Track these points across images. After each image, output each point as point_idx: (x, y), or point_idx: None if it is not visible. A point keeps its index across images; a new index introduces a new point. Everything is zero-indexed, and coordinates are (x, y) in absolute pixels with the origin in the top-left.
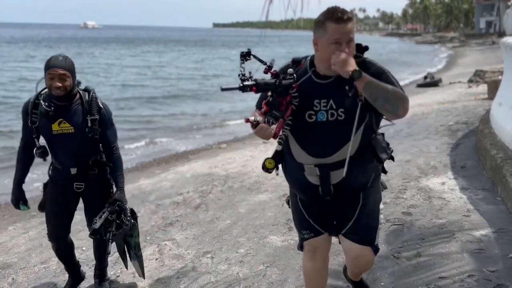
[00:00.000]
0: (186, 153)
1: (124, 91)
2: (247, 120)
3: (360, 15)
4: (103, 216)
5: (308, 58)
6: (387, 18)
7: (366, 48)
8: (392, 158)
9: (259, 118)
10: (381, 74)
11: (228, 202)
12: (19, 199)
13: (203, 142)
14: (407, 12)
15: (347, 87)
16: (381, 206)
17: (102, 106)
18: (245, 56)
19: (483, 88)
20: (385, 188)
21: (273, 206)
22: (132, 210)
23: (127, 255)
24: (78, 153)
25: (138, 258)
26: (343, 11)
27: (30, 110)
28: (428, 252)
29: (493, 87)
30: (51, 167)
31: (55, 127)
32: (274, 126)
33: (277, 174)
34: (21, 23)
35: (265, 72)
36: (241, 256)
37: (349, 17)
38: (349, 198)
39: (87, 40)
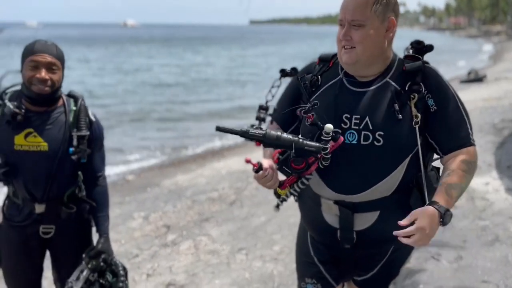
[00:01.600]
0: (221, 150)
1: (162, 86)
2: (248, 161)
3: (400, 9)
4: (81, 276)
5: None
6: (428, 12)
7: (428, 48)
8: None
9: (265, 162)
10: (447, 102)
11: (263, 199)
12: None
13: (239, 139)
14: (450, 5)
15: (396, 105)
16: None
17: (94, 120)
18: (288, 74)
19: None
20: None
21: None
22: (123, 266)
23: None
24: (49, 182)
25: None
26: None
27: None
28: (470, 255)
29: None
30: (6, 202)
31: (19, 140)
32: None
33: (278, 206)
34: (64, 23)
35: (302, 114)
36: (276, 254)
37: None
38: (374, 249)
39: (132, 40)
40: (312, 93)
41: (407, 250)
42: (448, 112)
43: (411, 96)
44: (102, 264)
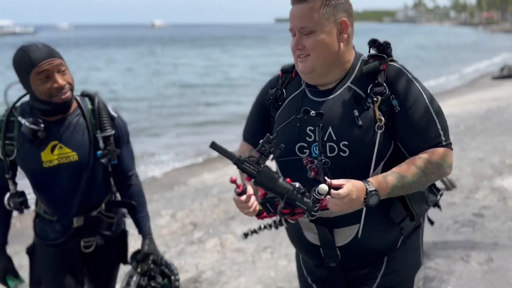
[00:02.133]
0: None
1: (188, 86)
2: (233, 181)
3: (430, 4)
4: (132, 282)
5: None
6: (459, 6)
7: (384, 46)
8: (438, 206)
9: (250, 187)
10: (412, 101)
11: None
12: (6, 270)
13: None
14: None
15: (355, 111)
16: (421, 274)
17: (115, 115)
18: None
19: None
20: (454, 187)
21: None
22: (173, 266)
23: None
24: (84, 192)
25: None
26: None
27: (2, 135)
28: (501, 257)
29: None
30: (37, 220)
31: (47, 156)
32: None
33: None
34: (94, 24)
35: (307, 164)
36: None
37: None
38: (364, 263)
39: (159, 40)
40: (279, 107)
41: (408, 259)
42: (412, 112)
43: (374, 99)
44: (152, 266)
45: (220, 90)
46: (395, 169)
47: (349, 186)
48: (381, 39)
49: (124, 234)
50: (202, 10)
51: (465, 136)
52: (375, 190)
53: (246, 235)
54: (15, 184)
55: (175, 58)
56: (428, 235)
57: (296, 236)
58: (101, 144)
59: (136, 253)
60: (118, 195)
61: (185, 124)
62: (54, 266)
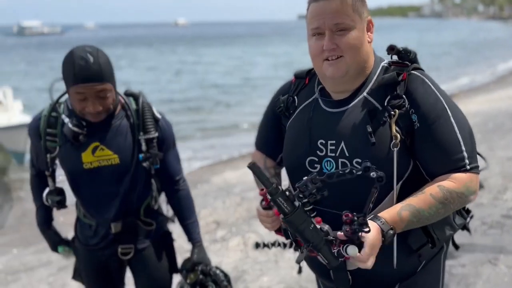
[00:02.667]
0: None
1: (210, 85)
2: (262, 194)
3: None
4: None
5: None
6: (487, 0)
7: (403, 53)
8: (467, 229)
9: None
10: (433, 116)
11: None
12: (55, 242)
13: None
14: None
15: (369, 127)
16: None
17: (159, 117)
18: None
19: None
20: (482, 187)
21: None
22: (225, 274)
23: None
24: (124, 197)
25: None
26: None
27: (43, 130)
28: None
29: None
30: (78, 224)
31: (87, 157)
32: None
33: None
34: (119, 23)
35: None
36: None
37: None
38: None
39: (182, 39)
40: (290, 115)
41: (424, 284)
42: (434, 130)
43: (392, 112)
44: (201, 276)
45: (241, 89)
46: (410, 201)
47: (371, 242)
48: (405, 34)
49: (167, 239)
50: (225, 8)
51: (494, 134)
52: (391, 229)
53: (257, 245)
54: (54, 181)
55: (198, 56)
56: (455, 236)
57: (308, 256)
58: (143, 147)
59: (186, 262)
60: (158, 199)
61: (208, 123)
62: (94, 271)
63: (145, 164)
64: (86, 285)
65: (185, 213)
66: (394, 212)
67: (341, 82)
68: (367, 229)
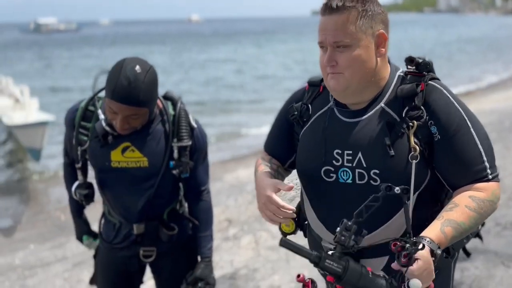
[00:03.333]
0: None
1: (221, 83)
2: (301, 281)
3: None
4: None
5: None
6: None
7: (422, 65)
8: (479, 237)
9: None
10: (454, 128)
11: None
12: (82, 231)
13: None
14: None
15: (387, 139)
16: None
17: (195, 126)
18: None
19: None
20: None
21: None
22: None
23: None
24: (149, 200)
25: None
26: None
27: (77, 122)
28: None
29: None
30: (102, 221)
31: (116, 156)
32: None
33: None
34: (133, 20)
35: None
36: None
37: (343, 5)
38: None
39: (196, 35)
40: (304, 123)
41: None
42: (455, 142)
43: (410, 124)
44: None
45: (253, 88)
46: (448, 215)
47: (426, 259)
48: (420, 30)
49: (190, 245)
50: (238, 4)
51: (510, 133)
52: (439, 247)
53: (283, 244)
54: (83, 174)
55: (210, 54)
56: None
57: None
58: (175, 154)
59: (190, 274)
60: (184, 204)
61: (220, 121)
62: (112, 270)
63: (174, 172)
64: (100, 286)
65: (202, 225)
66: (437, 229)
67: (344, 96)
68: (420, 246)
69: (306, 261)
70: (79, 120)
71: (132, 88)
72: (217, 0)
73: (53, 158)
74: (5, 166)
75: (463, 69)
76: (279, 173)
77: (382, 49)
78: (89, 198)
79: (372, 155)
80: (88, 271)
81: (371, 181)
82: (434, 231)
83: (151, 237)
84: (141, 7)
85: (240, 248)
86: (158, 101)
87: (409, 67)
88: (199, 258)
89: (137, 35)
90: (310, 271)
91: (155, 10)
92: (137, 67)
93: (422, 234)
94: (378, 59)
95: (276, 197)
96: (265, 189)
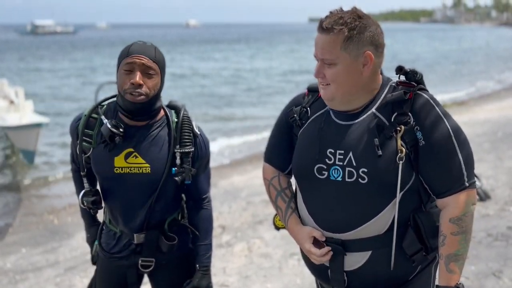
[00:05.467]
0: None
1: (218, 90)
2: None
3: (470, 3)
4: None
5: None
6: (501, 6)
7: (411, 74)
8: None
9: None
10: (437, 135)
11: None
12: (95, 236)
13: None
14: None
15: (376, 140)
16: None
17: (198, 133)
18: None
19: None
20: (489, 197)
21: None
22: None
23: None
24: (151, 207)
25: None
26: (331, 16)
27: (81, 130)
28: None
29: None
30: (103, 230)
31: (119, 161)
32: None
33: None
34: (131, 23)
35: None
36: None
37: (331, 27)
38: None
39: (193, 41)
40: (302, 125)
41: None
42: (437, 149)
43: (398, 128)
44: None
45: (247, 97)
46: (443, 251)
47: None
48: (421, 42)
49: (190, 257)
50: (235, 9)
51: (503, 143)
52: (457, 285)
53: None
54: (89, 181)
55: (205, 61)
56: None
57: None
58: (178, 161)
59: (187, 284)
60: (186, 215)
61: (213, 127)
62: (111, 281)
63: (177, 178)
64: None
65: (201, 233)
66: (444, 272)
67: (332, 104)
68: None
69: (299, 269)
70: (82, 128)
71: (147, 45)
72: (216, 5)
73: (46, 161)
74: None
75: (457, 79)
76: (292, 193)
77: (369, 67)
78: (97, 204)
79: (361, 155)
80: (80, 276)
81: (359, 179)
82: (445, 277)
83: (151, 247)
84: (139, 11)
85: (233, 256)
86: (162, 109)
87: (400, 77)
88: (197, 267)
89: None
90: (302, 280)
91: (153, 14)
92: (147, 42)
93: (437, 283)
94: (365, 75)
95: (314, 251)
96: (303, 244)
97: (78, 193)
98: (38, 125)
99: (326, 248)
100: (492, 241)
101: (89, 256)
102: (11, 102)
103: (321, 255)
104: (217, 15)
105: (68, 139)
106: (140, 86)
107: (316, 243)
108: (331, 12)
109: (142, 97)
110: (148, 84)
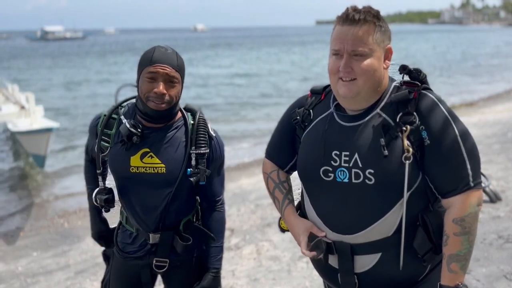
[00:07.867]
0: None
1: (226, 94)
2: None
3: (479, 4)
4: None
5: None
6: (510, 6)
7: (414, 72)
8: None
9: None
10: (442, 135)
11: None
12: (100, 232)
13: None
14: None
15: (382, 140)
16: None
17: (213, 135)
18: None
19: None
20: (499, 199)
21: None
22: None
23: None
24: (166, 208)
25: None
26: (359, 10)
27: (100, 129)
28: None
29: None
30: (119, 230)
31: (135, 161)
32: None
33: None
34: (138, 28)
35: None
36: None
37: (364, 19)
38: None
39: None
40: (305, 127)
41: None
42: (443, 148)
43: (403, 128)
44: None
45: (257, 99)
46: (446, 251)
47: None
48: (425, 42)
49: (204, 258)
50: (242, 13)
51: None
52: (459, 285)
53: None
54: (104, 180)
55: (212, 67)
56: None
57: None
58: (193, 162)
59: (197, 285)
60: (199, 217)
61: (222, 130)
62: (123, 279)
63: (191, 179)
64: None
65: (214, 235)
66: (446, 272)
67: (354, 101)
68: None
69: (308, 271)
70: (101, 127)
71: (169, 53)
72: (223, 10)
73: (57, 166)
74: (9, 171)
75: (468, 80)
76: (290, 186)
77: (388, 61)
78: (110, 202)
79: (367, 155)
80: (90, 280)
81: (366, 180)
82: (446, 277)
83: (165, 247)
84: (147, 16)
85: (242, 258)
86: (179, 111)
87: (404, 76)
88: (208, 269)
89: (141, 43)
90: (311, 282)
91: (161, 19)
92: (167, 47)
93: (442, 283)
94: (384, 70)
95: (304, 244)
96: (298, 234)
97: (88, 183)
98: (48, 130)
99: (312, 253)
100: (503, 243)
101: (99, 260)
102: (22, 107)
103: (308, 252)
104: (224, 19)
105: (77, 143)
106: (163, 95)
107: (311, 237)
108: (351, 8)
109: (164, 105)
110: (171, 93)
